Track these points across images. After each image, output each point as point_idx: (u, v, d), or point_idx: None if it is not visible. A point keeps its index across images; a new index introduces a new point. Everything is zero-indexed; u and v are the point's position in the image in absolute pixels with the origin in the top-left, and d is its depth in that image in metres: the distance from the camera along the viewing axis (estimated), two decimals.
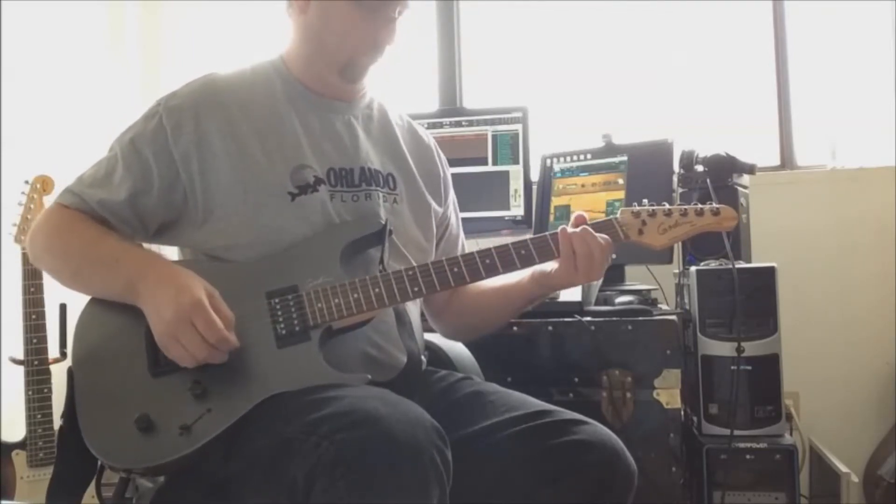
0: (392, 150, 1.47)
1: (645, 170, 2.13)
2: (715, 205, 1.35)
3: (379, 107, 1.49)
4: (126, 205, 1.30)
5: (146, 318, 1.21)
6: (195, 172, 1.29)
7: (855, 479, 1.98)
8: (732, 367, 1.81)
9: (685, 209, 1.34)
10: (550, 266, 1.36)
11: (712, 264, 1.92)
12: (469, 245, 1.60)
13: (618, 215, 1.35)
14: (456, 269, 1.29)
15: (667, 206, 1.34)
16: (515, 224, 2.33)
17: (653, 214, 1.34)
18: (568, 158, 2.30)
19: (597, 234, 1.31)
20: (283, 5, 1.40)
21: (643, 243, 1.34)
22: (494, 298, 1.47)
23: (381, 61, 1.38)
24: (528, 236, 1.34)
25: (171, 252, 1.41)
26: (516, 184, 2.35)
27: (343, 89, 1.41)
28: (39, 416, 2.17)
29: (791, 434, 2.02)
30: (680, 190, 2.09)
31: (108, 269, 1.25)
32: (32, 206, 2.23)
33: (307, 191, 1.31)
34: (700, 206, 1.34)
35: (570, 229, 1.32)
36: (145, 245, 1.36)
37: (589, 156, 2.26)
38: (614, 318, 1.81)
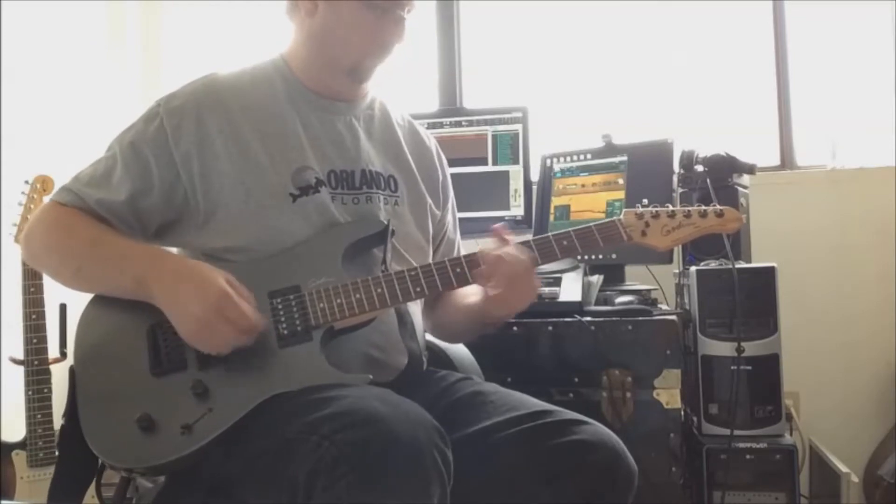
0: (394, 151, 1.47)
1: (645, 170, 2.13)
2: (719, 206, 1.34)
3: (381, 107, 1.49)
4: (125, 205, 1.29)
5: (149, 317, 1.21)
6: (196, 174, 1.29)
7: (855, 479, 1.98)
8: (732, 367, 1.81)
9: (689, 210, 1.33)
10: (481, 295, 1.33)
11: (712, 264, 1.92)
12: (469, 245, 1.60)
13: (621, 217, 1.34)
14: (458, 270, 1.29)
15: (670, 207, 1.34)
16: (516, 224, 2.33)
17: (656, 216, 1.33)
18: (568, 158, 2.30)
19: (518, 256, 1.28)
20: (285, 7, 1.39)
21: (647, 245, 1.33)
22: (459, 315, 1.46)
23: (389, 60, 1.38)
24: (530, 236, 1.34)
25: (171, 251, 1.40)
26: (516, 184, 2.35)
27: (346, 90, 1.41)
28: (39, 416, 2.17)
29: (791, 434, 2.02)
30: (680, 190, 2.09)
31: (114, 266, 1.25)
32: (32, 205, 2.22)
33: (308, 192, 1.31)
34: (704, 207, 1.34)
35: (490, 251, 1.28)
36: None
37: (589, 156, 2.26)
38: (614, 318, 1.81)
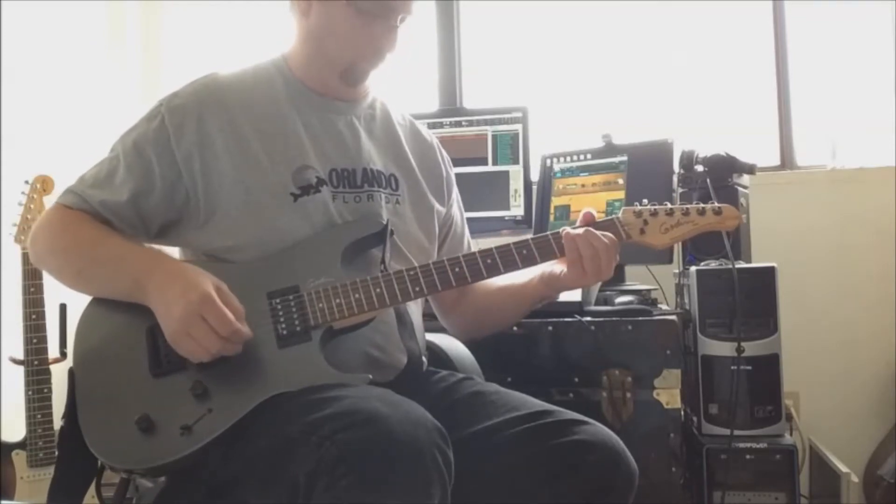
0: (394, 150, 1.47)
1: (645, 170, 2.13)
2: (717, 204, 1.34)
3: (381, 106, 1.49)
4: (128, 205, 1.30)
5: (148, 318, 1.21)
6: (197, 173, 1.29)
7: (855, 479, 1.98)
8: (732, 367, 1.81)
9: (687, 208, 1.34)
10: (559, 268, 1.37)
11: (712, 264, 1.92)
12: (475, 245, 1.60)
13: (619, 215, 1.35)
14: (457, 269, 1.29)
15: (668, 205, 1.34)
16: (515, 224, 2.33)
17: (655, 214, 1.34)
18: (568, 158, 2.30)
19: (600, 234, 1.31)
20: (287, 4, 1.39)
21: (645, 243, 1.34)
22: (503, 298, 1.48)
23: (383, 67, 1.38)
24: (530, 236, 1.34)
25: (172, 252, 1.40)
26: (516, 184, 2.35)
27: (345, 90, 1.41)
28: (39, 416, 2.17)
29: (791, 434, 2.02)
30: (680, 190, 2.09)
31: (114, 268, 1.25)
32: (32, 206, 2.23)
33: (309, 192, 1.31)
34: (702, 205, 1.34)
35: (572, 231, 1.32)
36: (148, 245, 1.35)
37: (589, 156, 2.26)
38: (614, 318, 1.80)
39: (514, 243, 1.32)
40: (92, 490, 1.28)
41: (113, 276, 1.25)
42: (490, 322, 1.56)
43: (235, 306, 1.18)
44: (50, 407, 2.18)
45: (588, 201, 2.21)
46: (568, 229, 1.33)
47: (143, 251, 1.28)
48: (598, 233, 1.31)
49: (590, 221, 1.35)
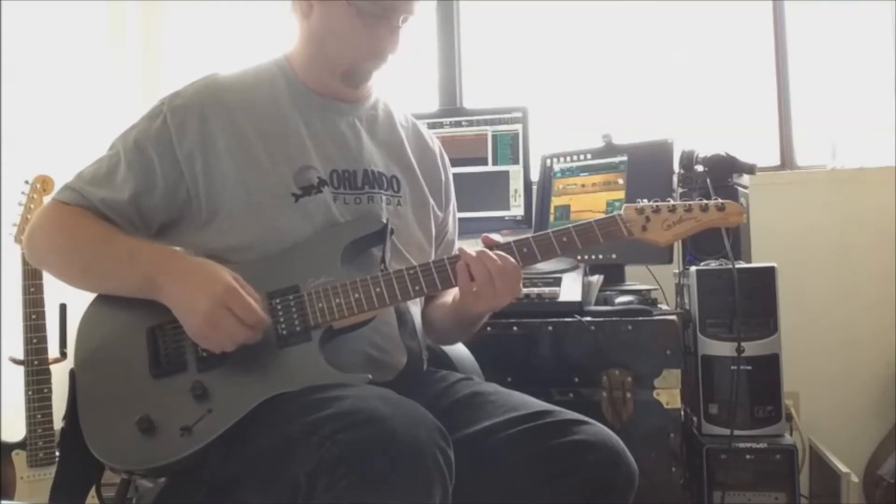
0: (397, 152, 1.46)
1: (645, 170, 2.13)
2: (720, 200, 1.33)
3: (384, 107, 1.49)
4: (129, 204, 1.29)
5: (149, 319, 1.22)
6: (199, 173, 1.29)
7: (855, 479, 1.98)
8: (732, 367, 1.81)
9: (690, 205, 1.32)
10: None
11: (712, 264, 1.92)
12: (470, 246, 1.59)
13: (621, 212, 1.34)
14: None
15: (671, 201, 1.33)
16: (516, 224, 2.33)
17: (657, 210, 1.32)
18: (568, 158, 2.31)
19: (498, 258, 1.26)
20: (288, 5, 1.39)
21: (647, 240, 1.32)
22: (443, 314, 1.46)
23: (385, 68, 1.38)
24: (531, 234, 1.33)
25: None
26: (516, 184, 2.35)
27: (347, 91, 1.41)
28: (39, 416, 2.17)
29: (791, 434, 2.02)
30: (680, 190, 2.09)
31: (123, 264, 1.25)
32: (32, 205, 2.22)
33: (311, 192, 1.31)
34: (705, 201, 1.33)
35: (471, 252, 1.27)
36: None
37: (589, 156, 2.26)
38: (614, 318, 1.81)
39: (516, 240, 1.31)
40: (92, 490, 1.28)
41: (122, 272, 1.25)
42: (439, 338, 1.52)
43: (253, 295, 1.19)
44: (50, 407, 2.18)
45: (588, 201, 2.21)
46: (463, 249, 1.28)
47: (152, 247, 1.27)
48: (492, 255, 1.26)
49: (489, 244, 1.30)
